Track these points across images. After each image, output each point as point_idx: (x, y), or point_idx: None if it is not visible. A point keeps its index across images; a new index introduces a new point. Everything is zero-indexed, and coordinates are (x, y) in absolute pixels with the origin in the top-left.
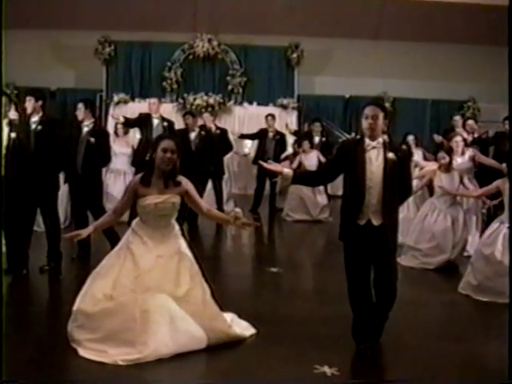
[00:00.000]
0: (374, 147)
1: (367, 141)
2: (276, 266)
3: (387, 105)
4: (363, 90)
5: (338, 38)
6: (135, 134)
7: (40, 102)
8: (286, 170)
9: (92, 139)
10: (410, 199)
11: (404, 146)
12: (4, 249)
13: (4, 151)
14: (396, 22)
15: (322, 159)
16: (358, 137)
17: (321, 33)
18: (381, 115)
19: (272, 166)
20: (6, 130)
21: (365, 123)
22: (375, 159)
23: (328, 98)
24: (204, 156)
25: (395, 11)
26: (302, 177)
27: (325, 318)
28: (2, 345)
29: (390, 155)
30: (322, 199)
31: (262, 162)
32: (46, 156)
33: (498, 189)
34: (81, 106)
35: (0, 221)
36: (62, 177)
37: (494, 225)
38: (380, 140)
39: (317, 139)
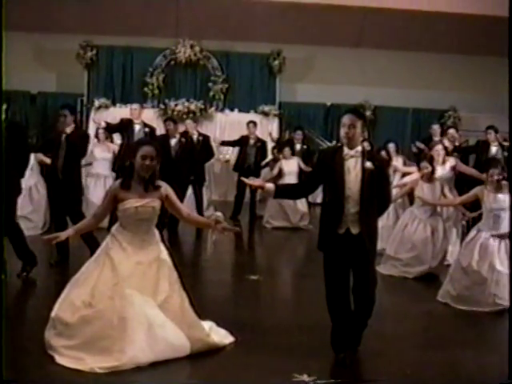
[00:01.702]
0: (352, 156)
1: (345, 150)
2: (255, 274)
3: (368, 113)
4: (344, 98)
5: (320, 46)
6: (116, 140)
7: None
8: (268, 184)
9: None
10: (391, 207)
11: (384, 153)
12: None
13: None
14: (378, 31)
15: (303, 166)
16: (339, 145)
17: (303, 40)
18: (358, 124)
19: (254, 181)
20: None
21: (342, 132)
22: (353, 168)
23: (309, 105)
24: (184, 162)
25: (377, 20)
26: (284, 190)
27: (304, 326)
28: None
29: (368, 164)
30: (303, 206)
31: (244, 179)
32: (6, 161)
33: (477, 196)
34: (67, 113)
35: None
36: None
37: (472, 233)
38: (358, 149)
39: (298, 147)
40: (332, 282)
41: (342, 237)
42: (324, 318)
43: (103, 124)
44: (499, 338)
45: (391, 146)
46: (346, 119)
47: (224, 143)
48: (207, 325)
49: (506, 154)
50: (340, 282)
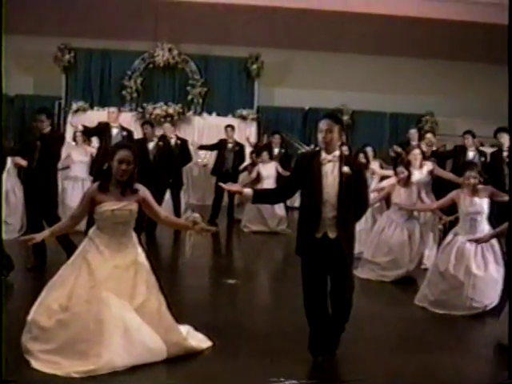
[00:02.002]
0: (329, 161)
1: (323, 154)
2: (233, 278)
3: (346, 117)
4: (322, 103)
5: (299, 50)
6: (95, 143)
7: None
8: (246, 190)
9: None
10: (368, 211)
11: (362, 157)
12: None
13: None
14: (355, 36)
15: (281, 170)
16: (317, 149)
17: (281, 44)
18: (336, 128)
19: (232, 186)
20: None
21: (320, 137)
22: (331, 173)
23: (287, 109)
24: (162, 166)
25: (355, 25)
26: (262, 195)
27: (282, 330)
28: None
29: (345, 169)
30: (280, 211)
31: (222, 184)
32: None
33: (453, 200)
34: (44, 118)
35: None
36: None
37: (449, 237)
38: (336, 153)
39: (276, 151)
40: (310, 286)
41: (319, 241)
42: (302, 321)
43: (80, 127)
44: (476, 341)
45: (369, 150)
46: (323, 124)
47: (202, 147)
48: (185, 329)
49: (482, 159)
50: (318, 287)
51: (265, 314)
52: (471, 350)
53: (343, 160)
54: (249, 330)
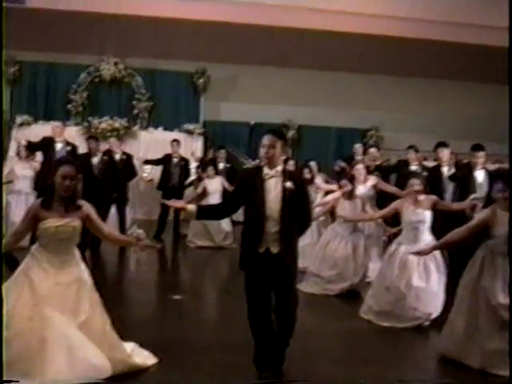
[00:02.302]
0: (272, 176)
1: (266, 170)
2: (179, 293)
3: (292, 132)
4: (268, 117)
5: (245, 65)
6: (39, 157)
7: None
8: (190, 206)
9: None
10: (314, 225)
11: (307, 171)
12: None
13: None
14: (302, 51)
15: (226, 185)
16: (260, 164)
17: (227, 59)
18: (278, 144)
19: (175, 202)
20: None
21: (262, 152)
22: (273, 188)
23: (233, 124)
24: (106, 181)
25: (301, 40)
26: (206, 211)
27: (228, 346)
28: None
29: (288, 184)
30: (226, 225)
31: (165, 201)
32: None
33: (397, 210)
34: None
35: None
36: None
37: (392, 247)
38: (279, 169)
39: (222, 165)
40: (254, 301)
41: (262, 256)
42: (247, 337)
43: (23, 142)
44: (420, 354)
45: (313, 165)
46: (266, 140)
47: (147, 162)
48: (129, 346)
49: (425, 173)
50: (261, 302)
51: (210, 329)
52: (415, 363)
53: (286, 175)
54: (195, 346)
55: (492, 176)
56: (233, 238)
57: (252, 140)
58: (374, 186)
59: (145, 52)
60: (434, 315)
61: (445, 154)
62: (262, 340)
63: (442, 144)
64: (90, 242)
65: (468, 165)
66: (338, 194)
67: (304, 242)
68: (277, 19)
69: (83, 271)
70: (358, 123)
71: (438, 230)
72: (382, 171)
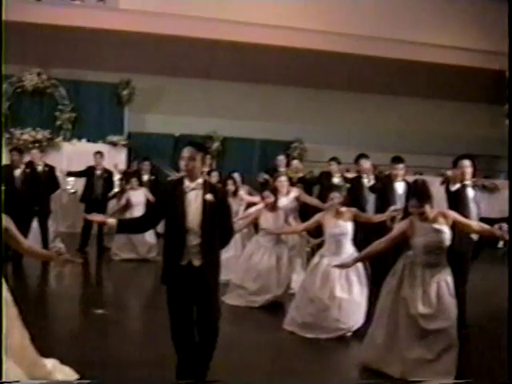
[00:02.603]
0: (193, 188)
1: (186, 182)
2: (102, 307)
3: (216, 144)
4: (193, 129)
5: (170, 77)
6: None
7: None
8: (110, 220)
9: None
10: (237, 237)
11: (231, 183)
12: None
13: None
14: (226, 63)
15: (150, 197)
16: (180, 177)
17: (152, 71)
18: (198, 156)
19: (96, 216)
20: None
21: (182, 164)
22: (194, 201)
23: (158, 136)
24: (28, 193)
25: (225, 52)
26: (127, 225)
27: (151, 360)
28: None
29: (208, 197)
30: (150, 238)
31: (86, 215)
32: None
33: (319, 223)
34: None
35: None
36: None
37: (315, 259)
38: (199, 181)
39: (146, 177)
40: (176, 314)
41: (184, 269)
42: (171, 350)
43: None
44: (343, 365)
45: (236, 176)
46: (186, 152)
47: (70, 174)
48: (50, 362)
49: (347, 185)
50: (183, 315)
51: (134, 343)
52: (338, 373)
53: (207, 188)
54: (119, 361)
55: (408, 190)
56: (157, 250)
57: (177, 152)
58: (297, 198)
59: (68, 62)
60: (357, 326)
61: (366, 165)
62: (184, 353)
63: (362, 156)
64: (11, 256)
65: (388, 176)
66: (260, 205)
67: (228, 254)
68: (201, 31)
69: (1, 285)
70: (281, 135)
71: (360, 241)
72: (305, 183)
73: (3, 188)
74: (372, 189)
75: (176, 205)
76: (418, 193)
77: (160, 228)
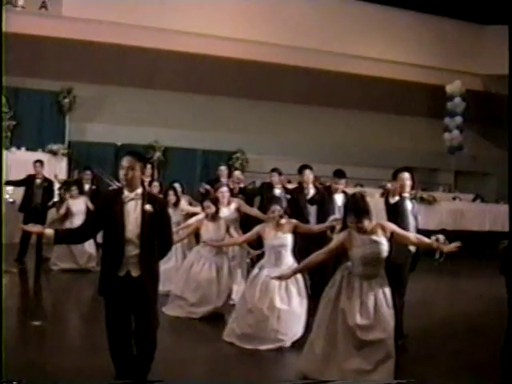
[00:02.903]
0: (132, 199)
1: (125, 192)
2: (39, 319)
3: (158, 154)
4: (135, 139)
5: (112, 86)
6: None
7: None
8: (47, 230)
9: None
10: (178, 248)
11: (172, 193)
12: None
13: None
14: (169, 73)
15: (90, 206)
16: (119, 187)
17: (94, 79)
18: (137, 166)
19: (33, 227)
20: None
21: (121, 174)
22: (133, 211)
23: (100, 145)
24: None
25: (168, 62)
26: (64, 235)
27: (88, 372)
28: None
29: (147, 207)
30: (90, 247)
31: (23, 226)
32: None
33: (259, 234)
34: None
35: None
36: None
37: (255, 270)
38: (138, 191)
39: (87, 186)
40: (113, 326)
41: (122, 280)
42: (108, 362)
43: None
44: (282, 375)
45: (177, 186)
46: (125, 161)
47: (9, 183)
48: None
49: (288, 196)
50: (121, 327)
51: (72, 355)
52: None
53: (146, 198)
54: (56, 374)
55: (346, 204)
56: (97, 260)
57: (118, 161)
58: (238, 209)
59: (8, 69)
60: (296, 337)
61: (308, 176)
62: (122, 365)
63: (306, 166)
64: None
65: (329, 188)
66: (201, 216)
67: (168, 264)
68: (143, 41)
69: None
70: (223, 146)
71: (300, 251)
72: (246, 194)
73: None
74: (311, 201)
75: (115, 215)
76: (356, 208)
77: (100, 238)
